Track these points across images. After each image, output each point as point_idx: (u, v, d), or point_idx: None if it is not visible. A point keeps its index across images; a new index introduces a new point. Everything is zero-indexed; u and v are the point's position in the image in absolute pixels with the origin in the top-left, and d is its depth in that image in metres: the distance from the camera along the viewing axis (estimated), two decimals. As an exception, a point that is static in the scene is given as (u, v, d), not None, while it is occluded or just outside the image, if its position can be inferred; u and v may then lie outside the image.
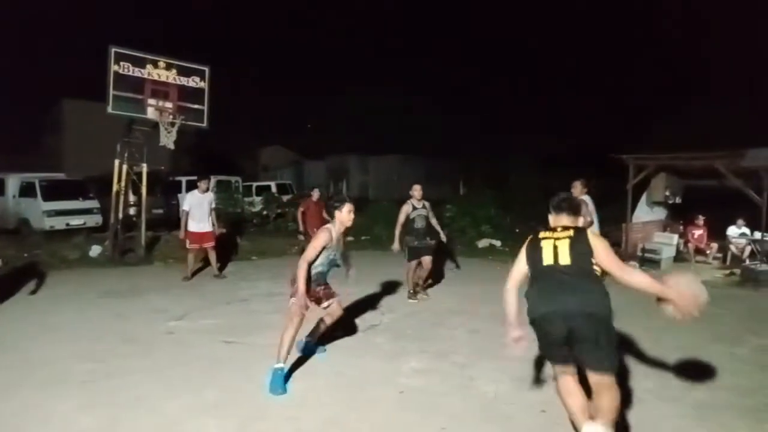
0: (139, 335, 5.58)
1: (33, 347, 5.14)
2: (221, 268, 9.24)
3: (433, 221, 7.68)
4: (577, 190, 7.78)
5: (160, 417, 3.69)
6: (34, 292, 7.62)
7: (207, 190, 8.87)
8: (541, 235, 3.33)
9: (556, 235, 3.27)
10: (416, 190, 7.52)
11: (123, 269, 9.82)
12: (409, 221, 7.38)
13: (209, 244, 8.75)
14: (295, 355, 4.97)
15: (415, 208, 7.44)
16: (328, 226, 4.55)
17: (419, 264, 7.48)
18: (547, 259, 3.20)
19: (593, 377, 3.02)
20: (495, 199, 15.81)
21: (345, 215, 4.59)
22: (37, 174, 14.95)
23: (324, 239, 4.40)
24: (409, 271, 7.50)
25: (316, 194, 10.15)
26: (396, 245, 7.35)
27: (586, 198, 7.82)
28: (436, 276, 8.67)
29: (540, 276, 3.23)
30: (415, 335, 5.68)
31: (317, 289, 4.53)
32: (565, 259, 3.14)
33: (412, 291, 7.51)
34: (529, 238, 3.42)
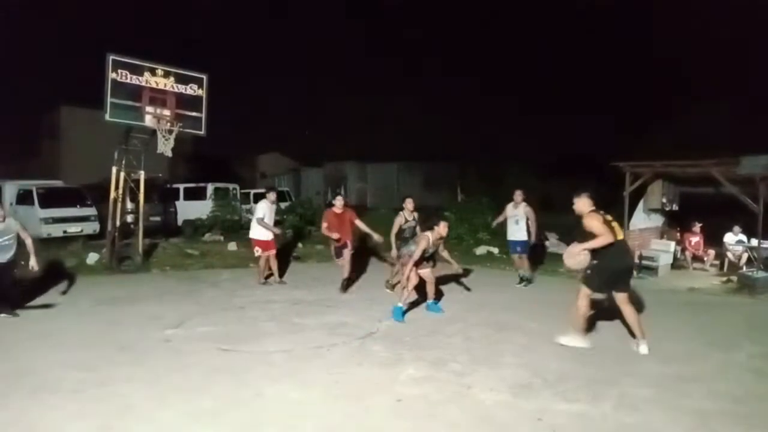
0: (135, 343, 5.55)
1: (24, 356, 5.10)
2: (281, 275, 9.47)
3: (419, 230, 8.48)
4: (518, 198, 8.96)
5: (153, 426, 3.66)
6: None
7: (275, 201, 9.38)
8: (607, 218, 5.35)
9: (610, 218, 5.39)
10: (409, 203, 8.19)
11: (120, 277, 9.80)
12: (401, 230, 8.06)
13: (273, 251, 9.11)
14: (298, 360, 4.96)
15: (407, 220, 8.13)
16: (426, 234, 6.65)
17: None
18: (619, 235, 5.32)
19: (624, 295, 5.37)
20: (492, 207, 15.83)
21: (442, 229, 6.66)
22: (35, 181, 14.95)
23: (423, 245, 6.49)
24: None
25: (339, 202, 8.75)
26: (394, 251, 7.96)
27: (528, 209, 8.85)
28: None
29: (618, 244, 5.26)
30: (412, 343, 5.67)
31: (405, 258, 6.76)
32: (621, 235, 5.43)
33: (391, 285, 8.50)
34: (600, 218, 5.28)
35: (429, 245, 6.57)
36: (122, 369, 4.74)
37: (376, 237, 8.59)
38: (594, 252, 5.22)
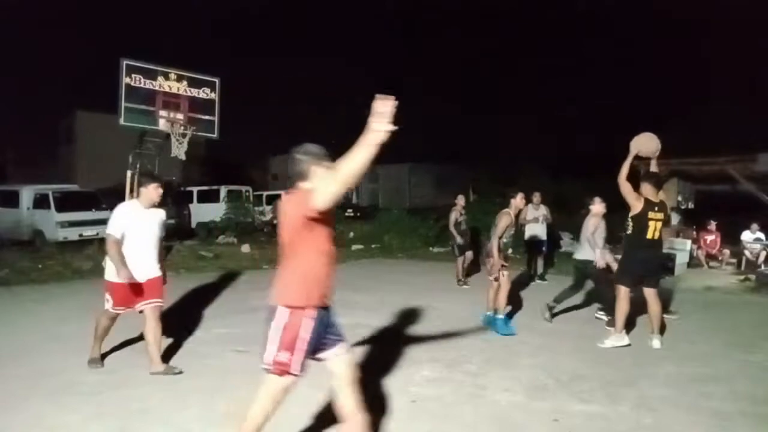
0: (151, 345, 5.58)
1: (42, 357, 5.16)
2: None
3: None
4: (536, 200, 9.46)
5: (170, 427, 3.69)
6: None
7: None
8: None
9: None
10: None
11: (135, 279, 9.85)
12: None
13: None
14: (312, 362, 4.97)
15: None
16: (506, 210, 6.02)
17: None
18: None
19: (652, 290, 5.41)
20: (505, 206, 15.75)
21: (519, 201, 6.08)
22: (51, 185, 15.16)
23: (507, 221, 5.95)
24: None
25: None
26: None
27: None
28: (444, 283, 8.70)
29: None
30: (426, 344, 5.64)
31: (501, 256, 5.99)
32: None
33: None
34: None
35: (512, 221, 6.02)
36: (138, 371, 4.77)
37: None
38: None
